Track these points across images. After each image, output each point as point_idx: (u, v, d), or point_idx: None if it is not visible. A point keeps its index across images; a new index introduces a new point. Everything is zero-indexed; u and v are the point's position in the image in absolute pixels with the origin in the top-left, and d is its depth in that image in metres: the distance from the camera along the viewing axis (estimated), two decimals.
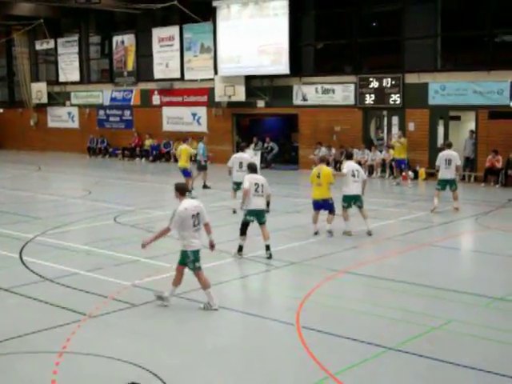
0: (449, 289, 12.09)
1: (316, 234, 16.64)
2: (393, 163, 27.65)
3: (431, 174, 27.11)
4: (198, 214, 11.12)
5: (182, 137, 35.65)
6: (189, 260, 11.12)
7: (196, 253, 11.13)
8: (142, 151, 37.72)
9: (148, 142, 37.50)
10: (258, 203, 14.44)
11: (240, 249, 14.61)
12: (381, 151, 28.82)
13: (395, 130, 29.28)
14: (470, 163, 27.35)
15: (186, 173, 23.88)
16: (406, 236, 16.76)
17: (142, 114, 38.51)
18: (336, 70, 30.86)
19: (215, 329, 10.44)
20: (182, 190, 11.38)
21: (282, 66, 30.98)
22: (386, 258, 14.87)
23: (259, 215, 14.53)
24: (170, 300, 11.30)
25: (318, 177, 16.38)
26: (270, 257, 14.43)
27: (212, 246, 11.61)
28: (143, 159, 37.32)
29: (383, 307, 11.18)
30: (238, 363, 9.01)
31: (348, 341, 9.63)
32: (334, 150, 29.97)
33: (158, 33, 36.86)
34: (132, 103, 39.16)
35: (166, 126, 37.48)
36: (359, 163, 28.74)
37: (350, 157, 18.54)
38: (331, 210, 16.59)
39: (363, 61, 30.04)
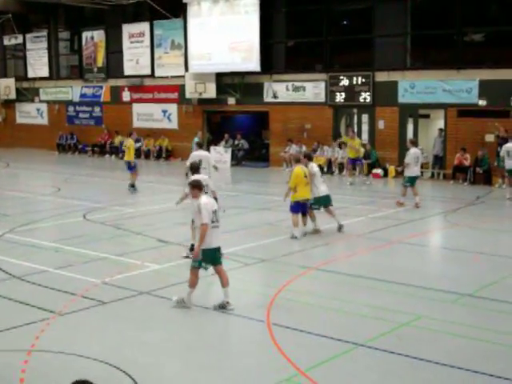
0: (418, 285, 12.18)
1: (305, 235, 16.23)
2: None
3: (401, 172, 27.32)
4: (215, 210, 10.92)
5: (151, 133, 35.67)
6: (202, 258, 10.81)
7: (207, 251, 10.79)
8: (112, 148, 37.48)
9: (117, 139, 37.28)
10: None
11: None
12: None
13: (365, 127, 29.42)
14: (438, 161, 27.59)
15: (131, 167, 23.99)
16: (376, 233, 16.86)
17: (112, 111, 38.28)
18: (307, 68, 30.93)
19: (185, 326, 10.42)
20: (199, 186, 11.13)
21: (252, 64, 30.98)
22: (356, 255, 14.95)
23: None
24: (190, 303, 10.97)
25: (306, 176, 16.06)
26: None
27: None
28: (113, 156, 37.08)
29: (353, 304, 11.23)
30: (208, 360, 9.00)
31: (318, 337, 9.66)
32: (304, 148, 30.02)
33: (128, 29, 36.64)
34: (102, 100, 38.89)
35: (137, 123, 37.28)
36: (329, 161, 29.04)
37: (310, 158, 17.37)
38: (306, 212, 16.45)
39: (334, 59, 30.12)
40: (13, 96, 42.79)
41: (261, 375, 8.48)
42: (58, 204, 21.64)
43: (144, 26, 35.90)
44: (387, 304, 11.22)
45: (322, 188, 16.71)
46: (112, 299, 11.50)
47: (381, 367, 8.69)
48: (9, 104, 43.72)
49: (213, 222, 10.76)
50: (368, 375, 8.46)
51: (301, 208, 16.20)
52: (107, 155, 37.42)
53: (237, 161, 32.50)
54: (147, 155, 35.91)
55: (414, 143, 21.50)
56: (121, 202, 21.71)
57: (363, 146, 28.20)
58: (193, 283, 10.92)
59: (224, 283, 11.00)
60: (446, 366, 8.63)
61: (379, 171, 27.72)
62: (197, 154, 18.32)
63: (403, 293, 11.90)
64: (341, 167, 29.00)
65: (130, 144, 24.11)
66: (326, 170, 28.99)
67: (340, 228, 16.76)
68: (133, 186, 23.56)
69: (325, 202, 16.78)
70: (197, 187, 11.11)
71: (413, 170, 20.26)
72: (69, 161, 36.52)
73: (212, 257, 10.88)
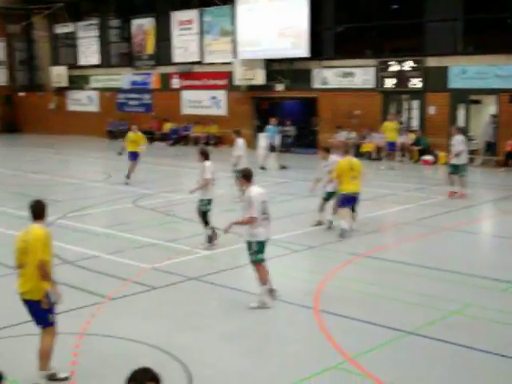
0: (467, 273, 12.05)
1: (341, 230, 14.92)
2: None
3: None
4: (265, 201, 10.58)
5: (200, 120, 35.82)
6: (251, 251, 10.50)
7: (261, 244, 10.51)
8: (162, 135, 37.77)
9: (166, 126, 37.55)
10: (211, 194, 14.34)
11: (210, 239, 14.13)
12: (401, 135, 28.65)
13: (415, 113, 29.10)
14: (490, 147, 27.14)
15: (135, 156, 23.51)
16: (425, 220, 16.70)
17: (162, 98, 38.52)
18: (356, 54, 30.66)
19: (234, 312, 10.48)
20: (248, 176, 10.70)
21: (301, 50, 30.84)
22: (405, 242, 14.84)
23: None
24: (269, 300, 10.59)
25: (352, 169, 15.01)
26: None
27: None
28: (163, 143, 37.36)
29: (402, 291, 11.17)
30: (255, 346, 9.06)
31: (366, 324, 9.65)
32: (354, 134, 29.85)
33: (177, 16, 36.79)
34: (151, 87, 39.18)
35: (186, 110, 37.49)
36: (378, 147, 28.81)
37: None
38: (354, 207, 15.46)
39: (384, 44, 29.80)
40: (64, 84, 43.41)
41: (308, 362, 8.51)
42: (109, 190, 21.93)
43: (193, 13, 36.01)
44: (436, 292, 11.13)
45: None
46: (162, 285, 11.65)
47: (429, 355, 8.64)
48: (60, 92, 44.34)
49: (264, 213, 10.48)
50: (416, 363, 8.42)
51: (350, 202, 15.15)
52: (156, 142, 37.71)
53: (285, 147, 32.43)
54: (196, 142, 36.11)
55: (460, 130, 20.85)
56: (170, 189, 21.91)
57: (413, 132, 27.94)
58: (264, 279, 10.55)
59: (262, 282, 10.61)
60: (495, 354, 8.54)
61: (429, 158, 27.40)
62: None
63: (452, 281, 11.79)
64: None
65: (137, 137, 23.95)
66: (375, 156, 28.80)
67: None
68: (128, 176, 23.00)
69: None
70: (245, 177, 10.74)
71: (462, 158, 19.68)
72: (119, 148, 36.84)
73: (256, 250, 10.50)
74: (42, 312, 7.97)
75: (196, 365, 8.33)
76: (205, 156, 14.41)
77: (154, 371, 4.81)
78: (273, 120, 26.95)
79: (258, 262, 10.56)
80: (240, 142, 19.48)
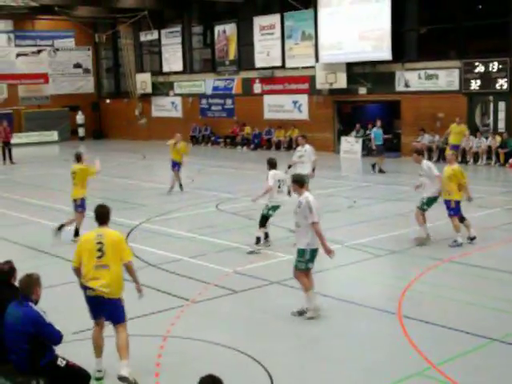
0: None
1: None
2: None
3: None
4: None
5: (282, 124, 35.87)
6: (303, 259, 10.22)
7: (314, 251, 10.29)
8: (244, 139, 38.05)
9: (246, 130, 37.78)
10: (278, 200, 14.60)
11: (258, 240, 14.40)
12: (486, 138, 28.01)
13: (502, 115, 28.37)
14: None
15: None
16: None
17: (244, 103, 38.78)
18: (439, 55, 30.13)
19: (316, 317, 10.43)
20: (301, 182, 10.50)
21: (383, 52, 30.52)
22: (491, 247, 14.48)
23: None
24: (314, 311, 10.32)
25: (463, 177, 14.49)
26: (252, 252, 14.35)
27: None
28: (244, 147, 37.63)
29: (488, 297, 10.91)
30: (338, 351, 9.01)
31: (451, 331, 9.47)
32: (437, 137, 29.34)
33: (259, 21, 36.98)
34: (234, 92, 39.50)
35: (267, 114, 37.62)
36: (464, 150, 28.21)
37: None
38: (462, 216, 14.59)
39: (468, 45, 29.19)
40: (149, 90, 44.23)
41: (392, 368, 8.41)
42: (192, 195, 22.20)
43: (275, 18, 36.11)
44: None
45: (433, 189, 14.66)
46: (243, 288, 11.72)
47: None
48: (145, 98, 45.20)
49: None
50: (503, 371, 8.21)
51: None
52: (239, 146, 38.00)
53: (368, 151, 32.16)
54: (278, 146, 36.20)
55: None
56: (252, 193, 21.98)
57: (500, 134, 27.27)
58: (307, 285, 10.30)
59: (305, 288, 10.36)
60: None
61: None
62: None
63: None
64: (475, 157, 28.12)
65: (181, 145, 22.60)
66: (460, 159, 28.21)
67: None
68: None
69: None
70: (298, 182, 10.48)
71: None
72: (202, 152, 37.33)
73: (309, 258, 10.24)
74: (121, 308, 8.32)
75: (277, 369, 8.33)
76: (270, 165, 14.82)
77: (221, 380, 4.77)
78: (378, 122, 26.80)
79: (304, 270, 10.30)
80: (308, 147, 18.47)
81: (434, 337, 9.36)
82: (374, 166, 26.10)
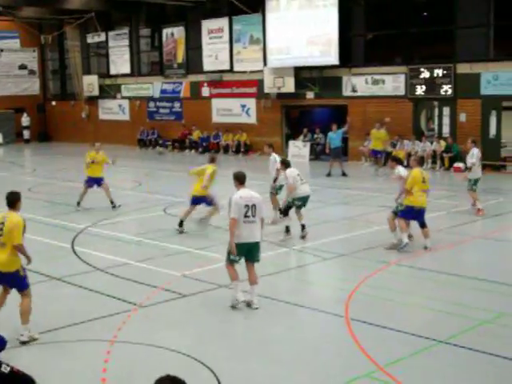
0: (500, 282, 11.90)
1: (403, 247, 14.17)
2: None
3: (483, 166, 26.77)
4: (253, 205, 10.75)
5: (230, 128, 35.85)
6: (228, 249, 10.86)
7: (242, 247, 10.73)
8: (192, 143, 37.93)
9: (196, 134, 37.68)
10: (306, 190, 15.67)
11: (287, 229, 15.39)
12: (431, 142, 28.48)
13: (446, 120, 28.88)
14: None
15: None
16: (457, 228, 16.55)
17: (192, 106, 38.69)
18: (386, 61, 30.52)
19: (264, 320, 10.45)
20: (238, 179, 11.08)
21: (331, 57, 30.78)
22: (437, 250, 14.69)
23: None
24: None
25: (424, 182, 14.41)
26: (304, 236, 15.49)
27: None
28: (192, 151, 37.53)
29: (434, 300, 11.06)
30: (286, 355, 9.02)
31: (398, 333, 9.56)
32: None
33: (207, 25, 36.93)
34: (182, 95, 39.37)
35: (216, 118, 37.60)
36: (409, 154, 28.61)
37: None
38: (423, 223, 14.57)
39: (414, 51, 29.64)
40: (96, 93, 43.77)
41: (339, 371, 8.45)
42: (139, 198, 22.04)
43: (223, 22, 36.11)
44: (468, 300, 11.01)
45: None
46: (192, 292, 11.66)
47: (462, 365, 8.54)
48: (92, 101, 44.73)
49: (246, 216, 10.66)
50: (448, 372, 8.32)
51: (416, 217, 14.50)
52: (187, 150, 37.87)
53: (315, 155, 32.38)
54: (226, 150, 36.20)
55: (476, 143, 19.92)
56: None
57: (444, 139, 27.74)
58: (233, 276, 10.96)
59: (251, 282, 11.00)
60: None
61: (461, 165, 27.14)
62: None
63: (485, 289, 11.65)
64: (421, 161, 28.52)
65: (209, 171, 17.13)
66: (405, 163, 28.58)
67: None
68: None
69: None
70: (236, 179, 11.13)
71: (477, 172, 18.43)
72: (149, 156, 37.10)
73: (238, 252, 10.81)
74: (20, 278, 9.52)
75: (226, 373, 8.31)
76: (286, 165, 15.89)
77: (181, 380, 4.66)
78: (333, 126, 26.97)
79: (229, 262, 10.93)
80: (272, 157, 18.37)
81: (380, 339, 9.44)
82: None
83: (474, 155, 18.43)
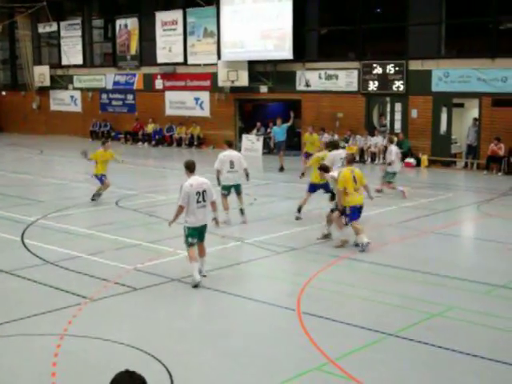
0: (449, 276, 12.10)
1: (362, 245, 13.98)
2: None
3: (433, 161, 27.21)
4: (204, 191, 11.57)
5: (184, 121, 35.74)
6: (190, 234, 11.57)
7: (194, 230, 11.56)
8: (145, 135, 37.70)
9: (150, 127, 37.46)
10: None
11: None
12: (384, 138, 28.79)
13: (398, 116, 29.23)
14: (472, 151, 27.29)
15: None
16: (408, 223, 16.77)
17: (145, 99, 38.45)
18: (339, 56, 30.74)
19: (216, 313, 10.47)
20: (188, 167, 11.84)
21: (285, 52, 30.89)
22: (387, 244, 14.88)
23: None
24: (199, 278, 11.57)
25: (355, 181, 14.22)
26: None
27: (216, 223, 13.49)
28: (145, 143, 37.31)
29: (384, 293, 11.20)
30: (238, 348, 9.04)
31: (348, 326, 9.66)
32: (336, 137, 29.90)
33: (161, 17, 36.70)
34: (135, 87, 39.07)
35: (169, 111, 37.43)
36: (361, 150, 28.93)
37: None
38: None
39: (367, 47, 29.92)
40: (47, 83, 43.14)
41: (291, 364, 8.51)
42: (91, 191, 21.75)
43: (177, 14, 35.93)
44: (418, 294, 11.17)
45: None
46: (144, 285, 11.60)
47: (411, 357, 8.67)
48: (43, 91, 44.08)
49: (198, 202, 11.50)
50: (398, 365, 8.44)
51: (358, 214, 14.40)
52: (140, 143, 37.63)
53: (268, 149, 32.45)
54: (179, 143, 36.06)
55: (393, 141, 21.34)
56: (153, 190, 21.85)
57: (396, 135, 28.04)
58: (192, 257, 11.61)
59: (200, 255, 11.93)
60: (476, 357, 8.58)
61: (412, 160, 27.52)
62: (227, 155, 16.69)
63: (435, 283, 11.84)
64: (373, 156, 28.89)
65: None
66: (358, 158, 28.89)
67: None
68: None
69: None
70: (186, 167, 11.92)
71: (396, 166, 20.38)
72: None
73: (187, 234, 11.65)
74: None
75: (178, 367, 8.29)
76: (333, 147, 16.84)
77: (139, 375, 4.64)
78: (278, 121, 26.93)
79: (188, 245, 11.63)
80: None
81: (331, 332, 9.53)
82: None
83: (393, 152, 19.93)
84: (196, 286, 11.33)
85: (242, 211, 16.65)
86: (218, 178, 16.57)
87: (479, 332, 9.56)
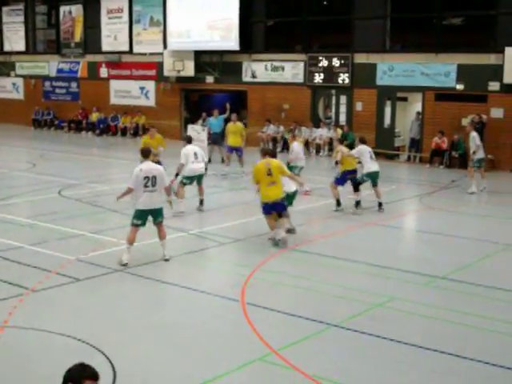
0: (391, 267, 12.29)
1: (279, 241, 13.69)
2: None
3: (377, 154, 27.46)
4: (154, 176, 12.04)
5: (129, 110, 35.41)
6: (135, 216, 12.14)
7: (141, 212, 12.12)
8: (89, 124, 37.23)
9: (94, 116, 37.00)
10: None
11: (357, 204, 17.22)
12: (329, 130, 29.00)
13: (343, 109, 29.48)
14: (415, 144, 27.70)
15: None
16: (352, 215, 16.94)
17: (89, 87, 37.95)
18: (286, 48, 30.84)
19: (159, 304, 10.44)
20: (142, 153, 12.60)
21: (231, 42, 30.84)
22: (332, 235, 15.01)
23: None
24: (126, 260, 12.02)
25: (270, 174, 13.64)
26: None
27: (170, 203, 14.35)
28: (89, 132, 36.86)
29: (327, 284, 11.30)
30: (181, 339, 9.03)
31: (292, 317, 9.73)
32: (282, 128, 30.02)
33: (106, 4, 36.24)
34: (79, 75, 38.53)
35: (114, 100, 37.03)
36: (306, 141, 29.06)
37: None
38: (284, 212, 14.00)
39: (313, 39, 30.06)
40: None
41: (234, 354, 8.53)
42: (33, 180, 21.48)
43: (123, 2, 35.51)
44: (361, 285, 11.31)
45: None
46: (86, 276, 11.48)
47: (353, 347, 8.78)
48: None
49: (146, 186, 11.99)
50: (340, 355, 8.54)
51: (272, 208, 13.78)
52: (83, 132, 37.17)
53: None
54: (124, 132, 35.72)
55: (296, 137, 20.98)
56: (97, 179, 21.61)
57: (341, 127, 28.23)
58: (130, 239, 12.17)
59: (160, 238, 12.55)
60: (416, 346, 8.74)
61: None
62: (190, 148, 16.92)
63: (377, 274, 12.00)
64: (318, 148, 29.07)
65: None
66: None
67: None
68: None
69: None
70: (141, 153, 12.69)
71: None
72: (44, 136, 36.18)
73: (137, 215, 12.24)
74: None
75: (120, 358, 8.23)
76: (361, 141, 17.68)
77: (92, 368, 4.72)
78: (215, 112, 26.53)
79: (132, 225, 12.19)
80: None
81: (275, 323, 9.59)
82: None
83: (294, 149, 19.37)
84: (121, 264, 11.96)
85: (201, 202, 17.02)
86: (178, 173, 17.04)
87: (419, 322, 9.74)
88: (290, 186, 14.54)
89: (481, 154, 20.52)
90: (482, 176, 20.52)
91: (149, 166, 12.25)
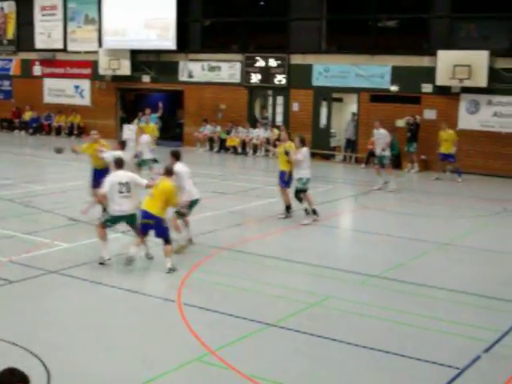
0: (327, 266, 12.39)
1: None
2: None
3: (313, 154, 27.69)
4: (126, 182, 12.09)
5: (63, 109, 34.87)
6: (108, 220, 12.36)
7: (114, 217, 12.25)
8: (22, 123, 36.51)
9: (27, 114, 36.30)
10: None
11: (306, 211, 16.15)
12: (266, 130, 29.10)
13: (280, 109, 29.61)
14: (351, 144, 28.04)
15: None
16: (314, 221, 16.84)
17: (22, 85, 37.22)
18: (223, 48, 30.82)
19: (94, 306, 10.29)
20: (116, 163, 12.66)
21: (168, 42, 30.67)
22: (268, 235, 15.06)
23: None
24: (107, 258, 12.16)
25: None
26: None
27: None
28: (22, 131, 36.14)
29: (264, 284, 11.33)
30: (117, 340, 8.93)
31: (229, 317, 9.72)
32: (218, 128, 30.01)
33: (40, 1, 35.60)
34: (12, 73, 37.75)
35: (48, 98, 36.40)
36: (243, 141, 29.12)
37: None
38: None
39: (250, 40, 30.13)
40: None
41: (171, 355, 8.47)
42: None
43: None
44: (297, 284, 11.38)
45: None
46: (19, 278, 11.25)
47: (290, 346, 8.82)
48: None
49: (121, 192, 12.02)
50: (277, 354, 8.57)
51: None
52: (16, 131, 36.42)
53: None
54: (58, 131, 35.16)
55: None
56: (30, 179, 21.20)
57: (277, 127, 28.37)
58: (102, 236, 12.31)
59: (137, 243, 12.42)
60: (352, 344, 8.83)
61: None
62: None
63: (313, 273, 12.10)
64: (255, 148, 29.13)
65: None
66: (240, 150, 29.11)
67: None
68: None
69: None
70: (114, 163, 12.79)
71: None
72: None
73: (110, 219, 12.39)
74: None
75: (55, 361, 8.09)
76: (302, 143, 16.24)
77: (21, 371, 4.59)
78: (147, 110, 26.16)
79: (101, 225, 12.36)
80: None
81: (213, 323, 9.56)
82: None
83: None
84: (102, 263, 12.05)
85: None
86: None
87: (354, 320, 9.85)
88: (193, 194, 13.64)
89: (388, 152, 21.43)
90: (388, 173, 21.44)
91: (122, 174, 12.33)
